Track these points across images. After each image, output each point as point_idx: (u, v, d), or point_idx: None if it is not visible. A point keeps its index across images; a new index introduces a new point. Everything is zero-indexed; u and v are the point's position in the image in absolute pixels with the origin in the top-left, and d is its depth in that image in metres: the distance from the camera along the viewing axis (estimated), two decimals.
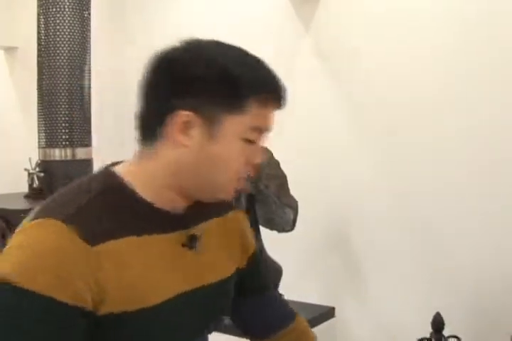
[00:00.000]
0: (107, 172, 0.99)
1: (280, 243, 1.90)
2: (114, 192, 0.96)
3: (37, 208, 0.92)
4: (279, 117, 0.94)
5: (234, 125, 0.94)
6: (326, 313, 2.07)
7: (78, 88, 2.71)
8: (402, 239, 2.13)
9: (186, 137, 0.94)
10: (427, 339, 1.75)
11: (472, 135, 1.96)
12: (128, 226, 0.94)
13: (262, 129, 0.97)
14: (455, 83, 1.99)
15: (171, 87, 0.93)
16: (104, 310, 0.87)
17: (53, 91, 2.69)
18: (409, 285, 2.12)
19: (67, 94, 2.69)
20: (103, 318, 0.88)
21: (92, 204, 0.92)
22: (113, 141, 2.95)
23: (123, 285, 0.90)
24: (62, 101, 2.68)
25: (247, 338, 1.26)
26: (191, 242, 1.04)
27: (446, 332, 1.74)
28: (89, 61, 2.77)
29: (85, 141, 2.75)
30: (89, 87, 2.80)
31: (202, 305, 1.05)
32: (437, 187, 2.03)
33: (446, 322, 1.73)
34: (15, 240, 0.87)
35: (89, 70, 2.79)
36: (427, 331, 1.75)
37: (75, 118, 2.70)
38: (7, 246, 0.86)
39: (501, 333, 1.49)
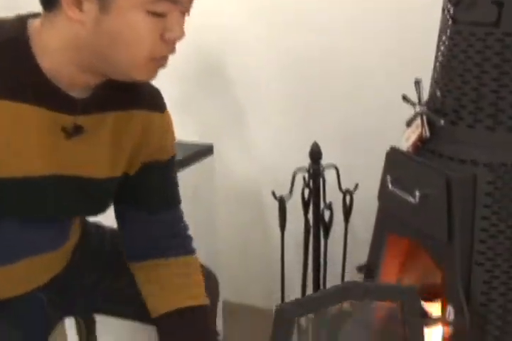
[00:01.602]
0: (21, 23, 0.90)
1: None
2: (14, 48, 0.88)
3: None
4: None
5: None
6: (204, 151, 2.04)
7: None
8: (280, 72, 2.07)
9: (80, 12, 0.84)
10: (305, 169, 1.76)
11: None
12: (11, 89, 0.88)
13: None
14: None
15: None
16: None
17: None
18: (286, 117, 2.10)
19: None
20: None
21: None
22: None
23: None
24: None
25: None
26: (73, 130, 0.97)
27: (323, 162, 1.76)
28: None
29: None
30: None
31: (71, 195, 1.03)
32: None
33: (323, 152, 1.74)
34: None
35: None
36: (305, 162, 1.76)
37: None
38: None
39: (377, 161, 1.52)
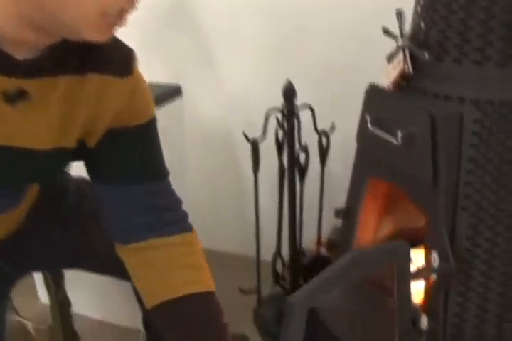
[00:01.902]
0: None
1: None
2: None
3: None
4: None
5: None
6: (172, 92, 1.95)
7: None
8: (251, 8, 1.94)
9: None
10: (279, 109, 1.67)
11: None
12: None
13: None
14: None
15: None
16: None
17: None
18: (258, 55, 1.99)
19: None
20: None
21: None
22: None
23: None
24: None
25: None
26: (16, 95, 0.84)
27: (298, 102, 1.66)
28: None
29: None
30: None
31: (18, 167, 0.93)
32: None
33: (298, 91, 1.64)
34: None
35: None
36: (278, 102, 1.66)
37: None
38: None
39: (355, 100, 1.43)
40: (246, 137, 1.71)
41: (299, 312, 0.88)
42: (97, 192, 1.04)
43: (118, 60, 0.94)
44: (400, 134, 1.22)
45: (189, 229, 1.07)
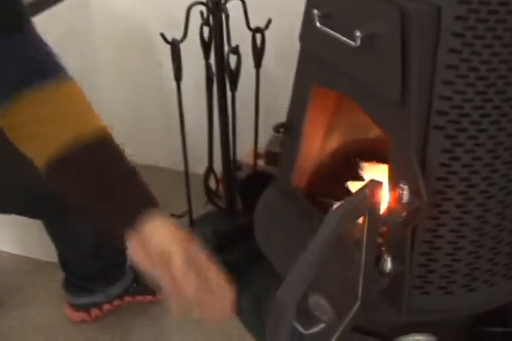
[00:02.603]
0: None
1: None
2: None
3: None
4: None
5: None
6: None
7: None
8: None
9: None
10: (203, 2, 1.35)
11: None
12: None
13: None
14: None
15: None
16: None
17: None
18: None
19: None
20: None
21: None
22: None
23: None
24: None
25: None
26: None
27: None
28: None
29: None
30: None
31: None
32: None
33: None
34: None
35: None
36: None
37: None
38: None
39: None
40: (164, 38, 1.39)
41: (290, 310, 0.67)
42: None
43: None
44: (359, 34, 0.94)
45: (67, 77, 0.89)
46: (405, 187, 0.96)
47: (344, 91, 1.11)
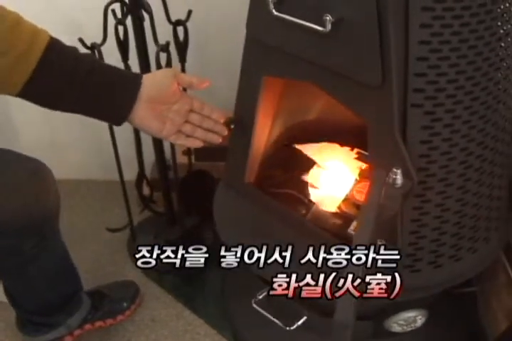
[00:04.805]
0: None
1: None
2: None
3: None
4: None
5: None
6: None
7: None
8: None
9: None
10: None
11: None
12: None
13: None
14: None
15: None
16: None
17: None
18: None
19: None
20: None
21: None
22: None
23: None
24: None
25: None
26: None
27: None
28: None
29: None
30: None
31: None
32: None
33: None
34: None
35: None
36: None
37: None
38: None
39: None
40: (83, 43, 1.29)
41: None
42: None
43: None
44: (329, 19, 0.90)
45: None
46: (398, 171, 0.94)
47: (305, 80, 1.07)
